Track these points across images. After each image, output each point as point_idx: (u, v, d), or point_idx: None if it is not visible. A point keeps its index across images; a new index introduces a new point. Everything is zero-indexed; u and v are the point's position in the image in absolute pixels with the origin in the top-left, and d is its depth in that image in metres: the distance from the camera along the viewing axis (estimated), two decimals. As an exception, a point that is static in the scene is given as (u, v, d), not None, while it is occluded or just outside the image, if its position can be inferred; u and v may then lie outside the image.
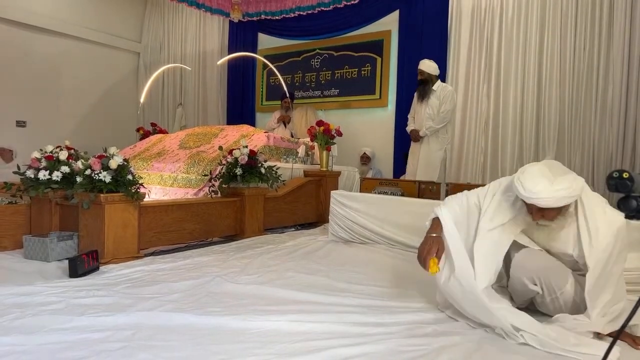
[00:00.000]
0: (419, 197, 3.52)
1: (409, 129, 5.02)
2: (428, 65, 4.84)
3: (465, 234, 1.93)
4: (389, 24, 6.42)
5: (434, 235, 1.95)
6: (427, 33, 5.92)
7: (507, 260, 1.90)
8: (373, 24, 6.53)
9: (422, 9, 5.98)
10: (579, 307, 1.82)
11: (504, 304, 1.80)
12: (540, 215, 1.77)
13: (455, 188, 3.32)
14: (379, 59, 6.55)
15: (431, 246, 1.90)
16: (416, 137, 4.89)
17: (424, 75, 4.85)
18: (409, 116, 5.08)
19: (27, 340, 1.58)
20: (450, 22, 5.79)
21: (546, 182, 1.69)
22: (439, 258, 1.88)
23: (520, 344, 1.66)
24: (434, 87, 4.82)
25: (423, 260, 1.89)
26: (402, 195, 3.56)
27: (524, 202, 1.78)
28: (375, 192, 3.71)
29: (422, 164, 4.85)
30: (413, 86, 6.00)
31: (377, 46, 6.57)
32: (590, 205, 1.81)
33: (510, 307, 1.80)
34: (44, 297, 2.04)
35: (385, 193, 3.63)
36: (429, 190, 3.56)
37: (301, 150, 5.19)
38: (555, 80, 5.12)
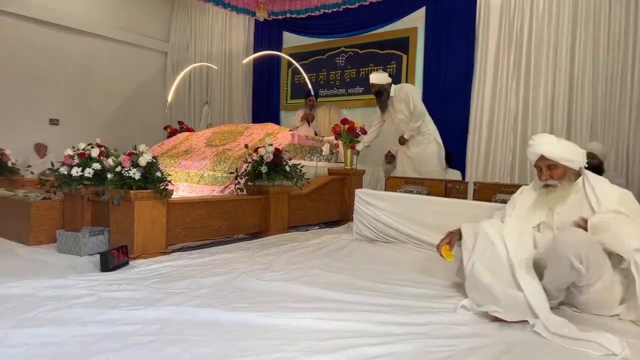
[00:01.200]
0: (445, 196, 3.46)
1: (362, 145, 5.03)
2: (377, 77, 4.86)
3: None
4: (415, 20, 6.34)
5: (451, 230, 2.29)
6: (454, 29, 5.83)
7: (538, 267, 1.97)
8: (399, 21, 6.47)
9: (449, 4, 5.89)
10: (604, 304, 1.93)
11: (534, 280, 1.89)
12: (549, 174, 2.09)
13: (483, 188, 3.26)
14: (404, 57, 6.49)
15: (443, 237, 2.28)
16: (403, 141, 4.92)
17: (376, 88, 4.87)
18: (370, 130, 5.01)
19: (61, 332, 1.63)
20: (478, 17, 5.68)
21: (552, 138, 2.12)
22: (451, 246, 2.22)
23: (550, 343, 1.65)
24: (391, 94, 4.87)
25: (437, 249, 2.27)
26: (428, 194, 3.52)
27: (536, 167, 2.14)
28: (400, 191, 3.68)
29: (418, 161, 4.86)
30: (438, 84, 5.95)
31: (402, 43, 6.51)
32: (596, 178, 2.14)
33: (537, 284, 1.87)
34: (77, 290, 2.10)
35: (411, 192, 3.59)
36: (455, 190, 3.50)
37: (325, 149, 5.18)
38: (588, 76, 4.96)
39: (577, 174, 2.16)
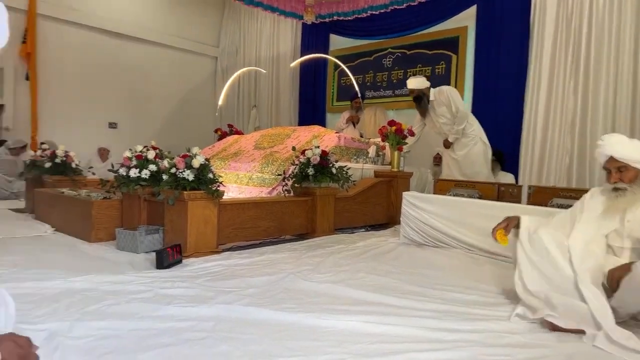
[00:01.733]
0: (497, 199, 3.35)
1: (411, 146, 4.93)
2: (415, 82, 4.75)
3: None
4: (466, 19, 6.18)
5: (509, 216, 2.23)
6: (507, 26, 5.62)
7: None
8: (448, 20, 6.33)
9: (501, 2, 5.70)
10: None
11: (599, 291, 1.79)
12: (618, 177, 1.96)
13: (539, 191, 3.13)
14: (454, 57, 6.34)
15: (500, 222, 2.22)
16: (448, 144, 4.82)
17: (414, 93, 4.78)
18: (415, 136, 4.91)
19: (120, 326, 1.71)
20: (533, 14, 5.46)
21: (623, 137, 1.99)
22: (507, 231, 2.18)
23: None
24: (431, 98, 4.76)
25: (492, 233, 2.22)
26: (480, 197, 3.41)
27: (605, 169, 2.02)
28: (450, 194, 3.59)
29: (464, 163, 4.73)
30: (490, 84, 5.76)
31: (452, 43, 6.36)
32: None
33: (603, 297, 1.77)
34: (135, 286, 2.20)
35: (462, 195, 3.49)
36: (508, 193, 3.37)
37: (371, 151, 5.15)
38: (654, 74, 4.64)
39: None
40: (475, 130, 4.76)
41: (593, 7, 5.01)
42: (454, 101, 4.68)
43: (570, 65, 5.17)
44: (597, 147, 2.04)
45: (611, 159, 1.98)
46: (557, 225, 2.13)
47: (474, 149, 4.72)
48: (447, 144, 4.83)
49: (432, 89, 4.80)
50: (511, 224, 2.20)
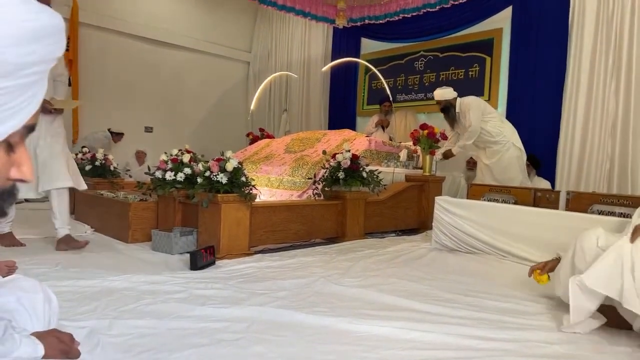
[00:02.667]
0: (534, 205, 3.26)
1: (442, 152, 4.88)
2: (441, 93, 4.71)
3: None
4: (500, 21, 6.06)
5: (548, 260, 2.16)
6: (544, 28, 5.49)
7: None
8: (482, 22, 6.22)
9: (538, 3, 5.56)
10: None
11: None
12: None
13: (578, 197, 3.02)
14: (488, 59, 6.23)
15: (538, 263, 2.19)
16: (449, 155, 4.84)
17: (441, 105, 4.76)
18: (448, 142, 4.89)
19: (158, 325, 1.76)
20: (571, 15, 5.30)
21: None
22: (544, 271, 2.12)
23: None
24: (457, 109, 4.72)
25: (529, 273, 2.19)
26: (515, 203, 3.33)
27: None
28: (484, 199, 3.52)
29: (497, 169, 4.63)
30: (526, 87, 5.62)
31: (486, 46, 6.25)
32: None
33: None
34: (170, 287, 2.26)
35: (496, 200, 3.42)
36: (545, 199, 3.28)
37: (402, 155, 5.11)
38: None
39: None
40: (507, 135, 4.63)
41: (635, 6, 4.82)
42: (467, 113, 4.62)
43: (612, 66, 4.99)
44: None
45: None
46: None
47: (505, 154, 4.60)
48: (449, 155, 4.85)
49: (458, 99, 4.74)
50: (551, 266, 2.12)
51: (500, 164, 4.62)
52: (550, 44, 5.40)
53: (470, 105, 4.65)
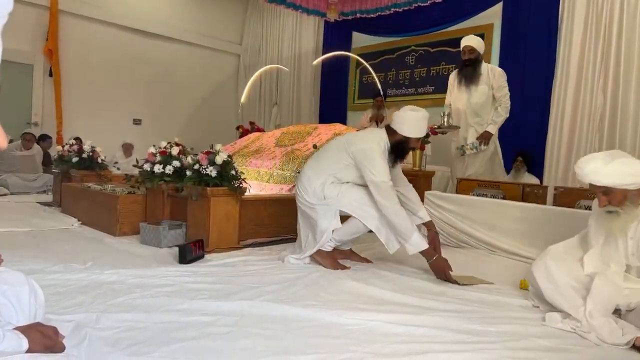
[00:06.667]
0: (522, 200, 3.29)
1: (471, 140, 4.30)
2: (479, 41, 4.07)
3: None
4: (491, 17, 6.08)
5: None
6: (534, 23, 5.50)
7: None
8: (473, 17, 6.23)
9: (528, -1, 5.59)
10: None
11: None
12: (606, 200, 1.81)
13: (566, 192, 3.06)
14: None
15: None
16: (488, 135, 4.24)
17: (474, 54, 4.04)
18: (445, 109, 4.31)
19: (146, 318, 1.74)
20: (561, 11, 5.33)
21: (599, 163, 1.78)
22: None
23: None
24: (482, 70, 4.07)
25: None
26: (504, 198, 3.35)
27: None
28: (473, 194, 3.54)
29: (489, 165, 4.41)
30: (517, 81, 5.58)
31: (476, 41, 6.25)
32: None
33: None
34: (159, 280, 2.24)
35: (485, 195, 3.44)
36: (533, 194, 3.31)
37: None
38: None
39: None
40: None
41: (624, 3, 4.86)
42: (504, 85, 4.15)
43: (600, 62, 5.03)
44: (577, 174, 1.88)
45: (592, 185, 1.86)
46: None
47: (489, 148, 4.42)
48: (488, 136, 4.17)
49: (483, 63, 4.27)
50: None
51: (487, 154, 4.49)
52: (540, 39, 5.43)
53: (504, 75, 4.11)
